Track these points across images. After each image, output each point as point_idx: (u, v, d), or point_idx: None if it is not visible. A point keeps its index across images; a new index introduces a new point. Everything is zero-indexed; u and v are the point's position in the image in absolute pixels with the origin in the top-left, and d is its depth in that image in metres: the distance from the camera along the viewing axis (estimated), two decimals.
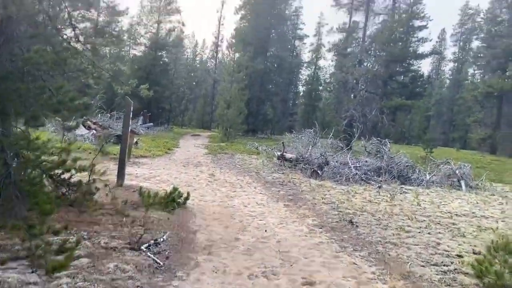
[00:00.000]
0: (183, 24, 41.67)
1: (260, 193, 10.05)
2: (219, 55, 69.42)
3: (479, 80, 48.62)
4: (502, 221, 8.52)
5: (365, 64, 29.52)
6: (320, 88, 49.15)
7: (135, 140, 17.21)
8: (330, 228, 6.85)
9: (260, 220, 7.14)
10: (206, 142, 26.73)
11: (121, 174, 8.92)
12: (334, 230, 6.77)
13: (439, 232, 6.99)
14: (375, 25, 29.95)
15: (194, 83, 70.33)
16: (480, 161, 26.29)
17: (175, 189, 7.89)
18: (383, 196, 10.62)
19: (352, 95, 28.34)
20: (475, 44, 53.41)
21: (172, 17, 39.60)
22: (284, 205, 8.71)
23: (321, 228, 6.87)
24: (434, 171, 14.46)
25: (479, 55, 46.58)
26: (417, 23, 30.14)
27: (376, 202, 9.62)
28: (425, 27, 30.06)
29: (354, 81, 27.64)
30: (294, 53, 56.14)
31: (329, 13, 74.84)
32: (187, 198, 7.74)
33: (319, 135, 16.68)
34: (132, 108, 9.13)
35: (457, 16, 63.86)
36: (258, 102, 37.95)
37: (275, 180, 12.25)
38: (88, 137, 16.32)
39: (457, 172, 13.70)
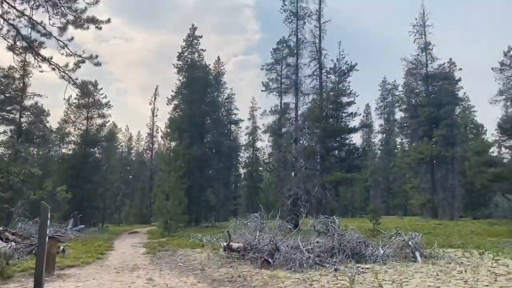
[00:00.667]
0: (114, 124, 41.20)
1: None
2: (155, 145, 68.95)
3: (407, 148, 51.89)
4: None
5: (301, 142, 30.23)
6: (260, 169, 49.46)
7: (61, 247, 15.32)
8: None
9: None
10: (145, 239, 24.83)
11: None
12: None
13: None
14: (305, 104, 31.31)
15: (130, 176, 68.12)
16: (425, 227, 26.70)
17: None
18: (341, 281, 9.82)
19: (292, 173, 28.45)
20: (399, 115, 57.90)
21: (101, 111, 38.90)
22: None
23: None
24: (387, 244, 14.03)
25: (404, 124, 50.25)
26: (345, 99, 32.01)
27: None
28: (353, 102, 32.00)
29: (293, 159, 27.94)
30: (231, 137, 57.07)
31: (260, 97, 78.65)
32: None
33: (265, 218, 15.90)
34: (49, 213, 7.88)
35: (377, 91, 69.80)
36: (199, 188, 36.93)
37: (223, 276, 11.06)
38: (5, 252, 14.17)
39: (409, 243, 13.37)
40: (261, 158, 55.55)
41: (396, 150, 69.06)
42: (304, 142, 30.45)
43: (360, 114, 35.18)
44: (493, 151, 32.41)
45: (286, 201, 25.43)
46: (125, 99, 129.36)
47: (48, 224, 8.36)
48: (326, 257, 12.64)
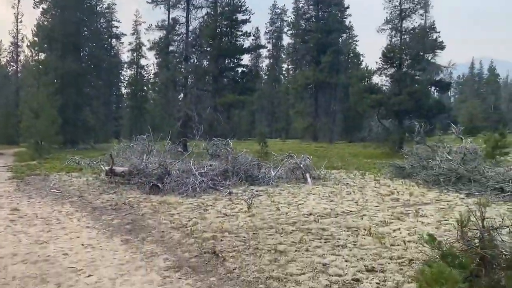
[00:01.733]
0: None
1: (87, 226, 7.72)
2: (21, 57, 60.09)
3: (293, 74, 53.37)
4: (364, 216, 8.20)
5: (191, 60, 28.47)
6: (145, 88, 46.51)
7: None
8: (190, 269, 5.18)
9: (90, 276, 5.01)
10: (11, 162, 21.80)
11: None
12: (196, 270, 5.14)
13: (318, 247, 6.03)
14: (197, 19, 29.03)
15: None
16: (307, 150, 27.98)
17: None
18: (238, 205, 9.46)
19: (182, 94, 26.97)
20: (286, 40, 58.38)
21: None
22: (122, 241, 6.66)
23: (178, 270, 5.15)
24: (279, 167, 14.11)
25: (291, 50, 50.99)
26: (240, 16, 30.25)
27: (233, 215, 8.34)
28: (248, 20, 30.46)
29: (183, 79, 26.30)
30: (112, 53, 52.15)
31: (145, 10, 72.38)
32: None
33: (154, 141, 14.66)
34: None
35: (267, 15, 69.03)
36: (75, 108, 33.34)
37: (105, 204, 9.90)
38: None
39: (301, 165, 13.58)
40: (146, 77, 52.11)
41: (281, 76, 70.83)
42: (196, 61, 28.78)
43: (254, 35, 33.89)
44: (376, 79, 34.70)
45: (175, 123, 24.17)
46: None
47: None
48: (220, 181, 12.21)
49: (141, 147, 14.65)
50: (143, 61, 54.99)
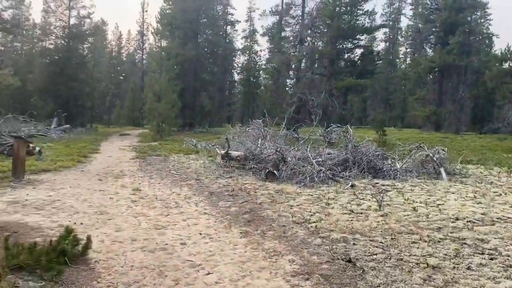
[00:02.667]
0: (103, 21, 37.28)
1: (205, 212, 7.33)
2: (146, 45, 65.21)
3: (413, 58, 48.99)
4: None
5: (306, 44, 27.45)
6: (260, 73, 46.72)
7: (37, 149, 13.64)
8: (323, 279, 4.30)
9: (209, 273, 4.44)
10: (135, 142, 23.35)
11: None
12: (330, 281, 4.24)
13: (482, 265, 4.72)
14: (313, 0, 27.78)
15: (121, 77, 65.18)
16: (430, 140, 25.26)
17: (67, 232, 4.97)
18: (364, 200, 8.35)
19: (295, 79, 26.20)
20: (405, 22, 53.73)
21: (85, 1, 35.06)
22: (241, 233, 6.07)
23: (308, 278, 4.32)
24: (406, 159, 12.54)
25: (410, 32, 46.69)
26: None
27: (361, 213, 7.27)
28: None
29: (298, 62, 25.46)
30: (227, 40, 53.44)
31: None
32: (86, 247, 4.89)
33: (269, 126, 14.14)
34: None
35: None
36: (193, 92, 34.77)
37: (221, 188, 9.55)
38: None
39: (434, 158, 11.84)
40: (259, 63, 52.50)
41: (398, 60, 65.85)
42: (311, 43, 27.69)
43: (376, 13, 31.00)
44: None
45: (288, 108, 23.51)
46: None
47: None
48: (339, 171, 11.15)
49: (256, 132, 14.21)
50: (256, 47, 55.53)
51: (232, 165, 12.66)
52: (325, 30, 27.10)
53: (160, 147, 19.77)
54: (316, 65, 27.06)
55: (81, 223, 6.30)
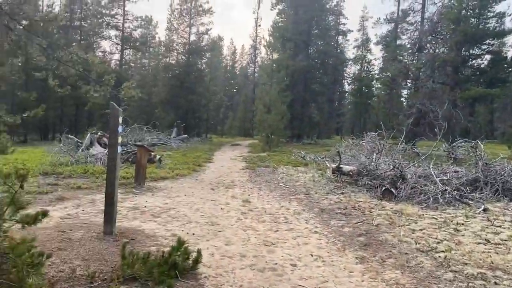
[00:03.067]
0: (219, 37, 39.51)
1: (315, 231, 6.89)
2: (258, 59, 67.45)
3: None
4: None
5: (426, 51, 25.46)
6: (370, 84, 44.96)
7: (157, 157, 14.57)
8: None
9: None
10: (246, 153, 23.87)
11: (108, 216, 6.01)
12: None
13: None
14: (435, 3, 25.71)
15: (234, 90, 68.31)
16: None
17: (179, 244, 4.95)
18: (501, 227, 7.13)
19: (413, 88, 24.42)
20: None
21: (204, 18, 37.37)
22: (357, 258, 5.50)
23: None
24: None
25: None
26: None
27: (500, 244, 6.16)
28: None
29: (416, 71, 23.70)
30: (338, 50, 52.56)
31: (372, 5, 70.78)
32: (197, 261, 4.80)
33: (385, 139, 13.17)
34: (120, 116, 6.21)
35: None
36: (302, 103, 34.69)
37: (333, 205, 9.02)
38: (101, 158, 13.73)
39: None
40: (371, 73, 50.62)
41: None
42: (431, 50, 25.62)
43: (510, 15, 27.42)
44: None
45: (405, 120, 21.91)
46: (232, 14, 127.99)
47: (121, 129, 6.78)
48: (468, 192, 9.82)
49: (371, 145, 13.36)
50: (368, 56, 53.79)
51: (343, 180, 12.02)
52: (448, 35, 24.82)
53: (268, 158, 19.87)
54: (437, 74, 24.89)
55: (193, 234, 6.34)
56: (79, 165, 12.87)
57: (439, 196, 9.21)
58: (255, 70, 67.38)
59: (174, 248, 4.87)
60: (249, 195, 10.09)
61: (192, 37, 37.42)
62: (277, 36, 31.81)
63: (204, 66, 40.25)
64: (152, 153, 14.66)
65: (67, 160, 13.30)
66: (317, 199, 9.77)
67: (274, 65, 30.27)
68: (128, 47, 36.91)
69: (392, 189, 9.71)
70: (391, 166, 10.58)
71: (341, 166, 12.07)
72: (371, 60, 50.17)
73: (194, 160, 16.99)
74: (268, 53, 32.23)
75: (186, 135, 30.71)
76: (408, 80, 25.96)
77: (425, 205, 8.91)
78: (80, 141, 16.21)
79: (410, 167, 10.97)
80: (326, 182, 12.13)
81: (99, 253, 4.98)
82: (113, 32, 35.94)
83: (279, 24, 35.75)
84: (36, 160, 13.88)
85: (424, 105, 20.58)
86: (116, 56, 39.64)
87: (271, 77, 29.84)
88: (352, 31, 54.05)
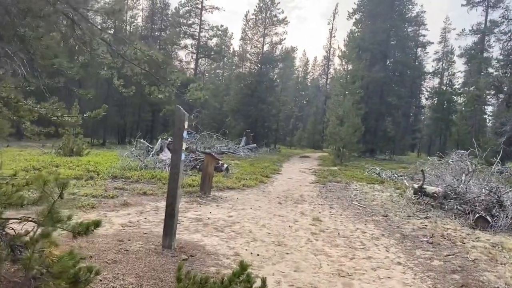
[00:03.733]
0: (292, 48, 39.20)
1: (398, 262, 5.94)
2: (331, 70, 66.39)
3: None
4: None
5: None
6: (452, 98, 41.84)
7: (225, 165, 14.24)
8: None
9: None
10: (315, 166, 22.96)
11: (168, 228, 5.55)
12: None
13: None
14: None
15: (304, 101, 67.50)
16: None
17: (242, 269, 4.31)
18: None
19: (505, 103, 22.03)
20: None
21: (278, 28, 37.18)
22: None
23: None
24: None
25: None
26: None
27: None
28: None
29: (510, 85, 21.35)
30: (416, 63, 49.85)
31: (455, 17, 66.77)
32: None
33: (478, 159, 11.66)
34: (186, 121, 5.78)
35: None
36: (377, 116, 33.00)
37: (417, 232, 7.92)
38: (170, 163, 13.63)
39: None
40: (453, 87, 47.21)
41: None
42: None
43: None
44: None
45: (494, 139, 19.75)
46: (305, 26, 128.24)
47: (186, 134, 6.37)
48: None
49: (460, 165, 11.89)
50: (450, 70, 50.39)
51: (426, 202, 10.75)
52: None
53: (340, 172, 18.83)
54: None
55: (257, 254, 5.71)
56: (148, 170, 12.86)
57: None
58: (327, 82, 66.14)
59: (236, 273, 4.23)
60: (319, 212, 9.28)
61: (266, 47, 37.36)
62: (353, 46, 30.62)
63: (276, 76, 39.97)
64: (220, 162, 14.36)
65: (136, 165, 13.38)
66: (397, 222, 8.70)
67: (349, 76, 29.09)
68: (203, 56, 37.71)
69: (488, 217, 8.37)
70: (486, 190, 9.19)
71: (424, 186, 10.82)
72: (454, 73, 46.79)
73: (261, 171, 16.47)
74: (343, 63, 31.11)
75: (255, 144, 30.44)
76: (500, 95, 23.49)
77: None
78: (151, 146, 16.40)
79: (508, 192, 9.48)
80: (406, 203, 10.94)
81: (154, 270, 4.51)
82: (189, 41, 37.08)
83: (356, 34, 34.49)
84: (108, 163, 14.16)
85: None
86: (192, 65, 40.76)
87: (345, 88, 28.72)
88: (433, 43, 51.01)
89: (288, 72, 52.30)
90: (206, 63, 70.25)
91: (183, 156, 5.67)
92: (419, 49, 51.71)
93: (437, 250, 6.65)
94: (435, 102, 46.94)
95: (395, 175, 17.17)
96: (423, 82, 52.99)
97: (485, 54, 46.85)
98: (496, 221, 8.31)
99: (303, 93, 68.58)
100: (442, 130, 36.75)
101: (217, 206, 9.07)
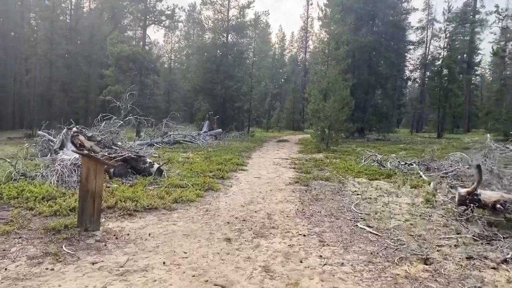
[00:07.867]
0: (264, 12, 34.15)
1: None
2: (309, 42, 62.26)
3: None
4: None
5: None
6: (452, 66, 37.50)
7: (155, 166, 9.75)
8: None
9: None
10: (295, 153, 18.63)
11: None
12: None
13: None
14: None
15: (282, 80, 62.95)
16: None
17: None
18: None
19: None
20: None
21: None
22: None
23: None
24: None
25: None
26: None
27: None
28: None
29: None
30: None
31: None
32: None
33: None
34: None
35: None
36: (366, 89, 28.77)
37: None
38: (59, 170, 8.89)
39: None
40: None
41: None
42: None
43: None
44: None
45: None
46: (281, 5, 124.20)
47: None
48: None
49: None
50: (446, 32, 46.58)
51: (482, 216, 6.52)
52: None
53: (328, 163, 14.52)
54: None
55: None
56: (20, 182, 8.24)
57: None
58: (306, 55, 61.75)
59: None
60: (300, 262, 4.88)
61: (232, 12, 32.40)
62: (336, 3, 26.10)
63: (246, 48, 34.92)
64: (148, 161, 9.82)
65: (3, 173, 8.72)
66: (456, 278, 4.38)
67: (331, 39, 24.62)
68: (151, 22, 32.43)
69: None
70: None
71: (477, 192, 6.55)
72: (453, 35, 42.71)
73: (218, 167, 11.99)
74: (324, 27, 26.56)
75: (221, 129, 25.84)
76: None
77: None
78: (53, 139, 11.67)
79: None
80: (446, 222, 6.65)
81: None
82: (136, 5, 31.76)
83: None
84: None
85: None
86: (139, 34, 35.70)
87: (327, 55, 24.28)
88: (417, 9, 46.95)
89: (262, 45, 47.49)
90: (174, 40, 64.70)
91: None
92: (402, 16, 47.72)
93: None
94: (427, 73, 43.22)
95: (402, 164, 12.99)
96: (406, 53, 48.90)
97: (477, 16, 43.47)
98: None
99: (281, 70, 63.92)
100: (441, 102, 32.87)
101: (93, 264, 4.58)
